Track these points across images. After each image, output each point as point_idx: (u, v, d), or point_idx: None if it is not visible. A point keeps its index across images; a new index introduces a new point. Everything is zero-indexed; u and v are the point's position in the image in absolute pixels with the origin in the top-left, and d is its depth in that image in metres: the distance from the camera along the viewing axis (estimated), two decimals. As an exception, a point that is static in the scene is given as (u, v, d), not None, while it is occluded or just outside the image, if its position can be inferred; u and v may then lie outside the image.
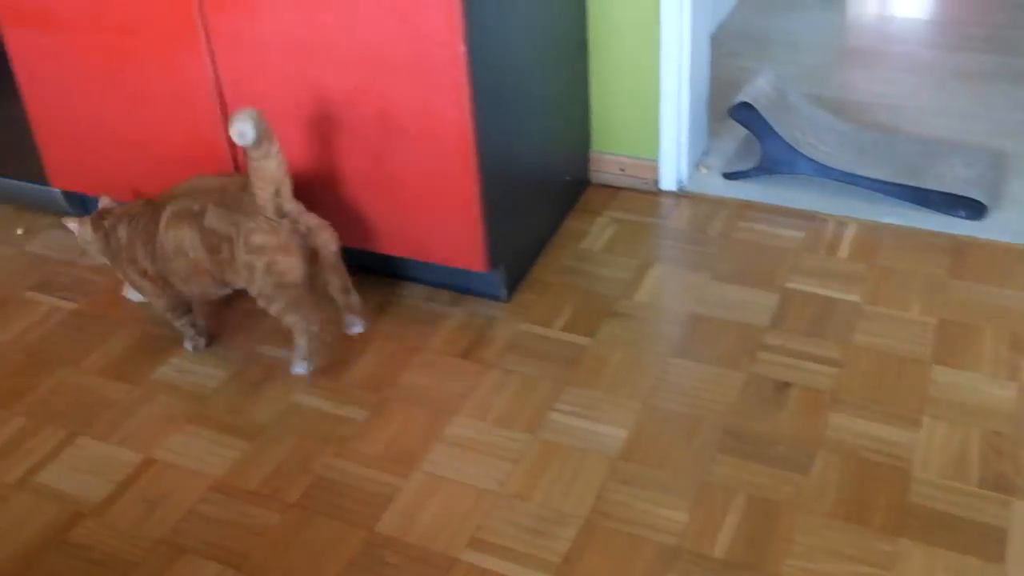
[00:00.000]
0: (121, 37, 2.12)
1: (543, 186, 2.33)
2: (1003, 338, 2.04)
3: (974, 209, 2.38)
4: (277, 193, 1.86)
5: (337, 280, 2.03)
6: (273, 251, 1.88)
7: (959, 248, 2.31)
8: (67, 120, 2.31)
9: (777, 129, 2.46)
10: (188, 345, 2.14)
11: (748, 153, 2.66)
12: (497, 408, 1.95)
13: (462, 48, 1.81)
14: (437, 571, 1.64)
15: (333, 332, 2.14)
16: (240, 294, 2.10)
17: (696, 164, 2.61)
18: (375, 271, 2.30)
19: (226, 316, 2.22)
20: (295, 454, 1.88)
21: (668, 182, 2.53)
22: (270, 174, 1.83)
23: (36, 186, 2.52)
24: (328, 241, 1.96)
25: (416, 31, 1.83)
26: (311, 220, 1.93)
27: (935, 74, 3.12)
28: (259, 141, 1.77)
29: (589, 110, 2.48)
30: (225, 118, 2.12)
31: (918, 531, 1.65)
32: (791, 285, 2.22)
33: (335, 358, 2.08)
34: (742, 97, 2.50)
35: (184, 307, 2.10)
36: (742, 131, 2.74)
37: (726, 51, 3.29)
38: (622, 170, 2.54)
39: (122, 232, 2.01)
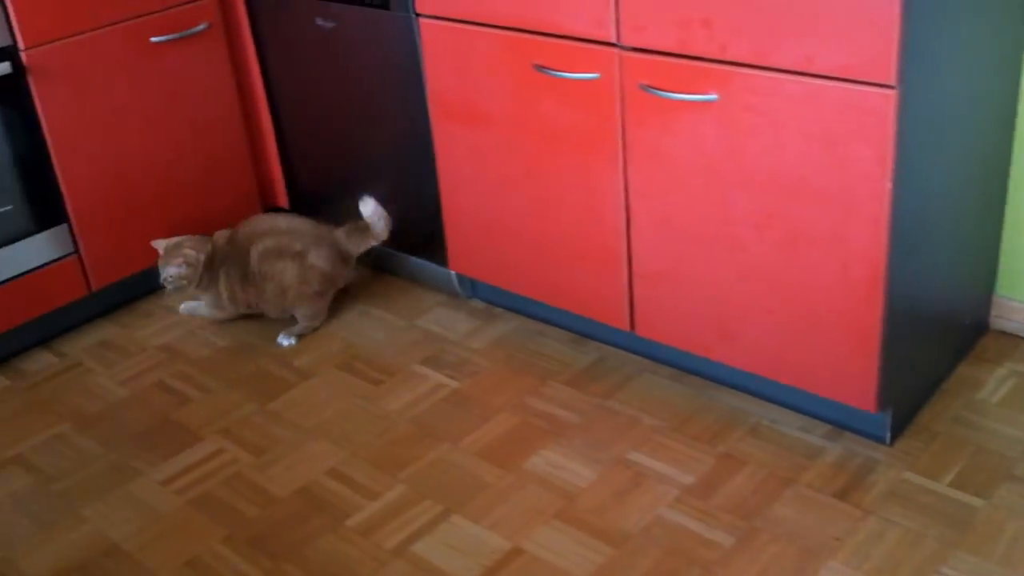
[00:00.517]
0: (542, 141, 2.24)
1: (942, 327, 2.20)
2: None
3: None
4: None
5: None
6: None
7: None
8: (475, 210, 2.47)
9: None
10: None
11: None
12: (875, 559, 1.83)
13: (889, 184, 1.76)
14: None
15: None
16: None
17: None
18: (751, 392, 2.26)
19: (602, 418, 2.25)
20: (659, 569, 1.86)
21: (1079, 337, 2.31)
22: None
23: (435, 266, 2.71)
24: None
25: (842, 162, 1.79)
26: None
27: None
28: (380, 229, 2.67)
29: (999, 251, 2.33)
30: (628, 228, 2.18)
31: None
32: None
33: (703, 476, 2.06)
34: None
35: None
36: None
37: None
38: (1026, 318, 2.36)
39: (218, 263, 2.62)
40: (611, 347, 2.47)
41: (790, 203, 1.91)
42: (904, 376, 2.05)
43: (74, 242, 2.67)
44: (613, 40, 2.04)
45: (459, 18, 2.28)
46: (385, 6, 2.45)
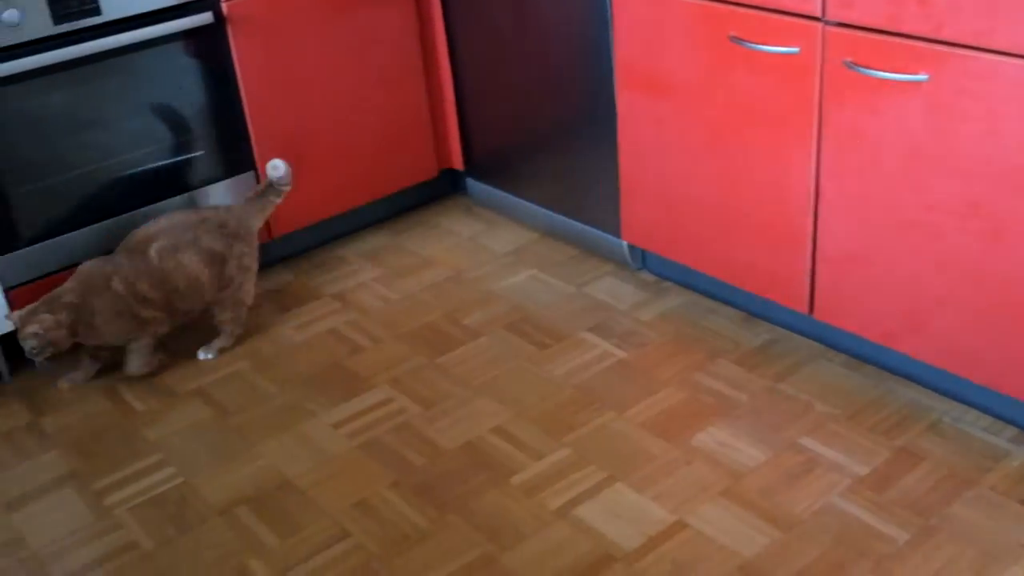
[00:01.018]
0: (732, 114, 2.20)
1: None
2: None
3: None
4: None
5: None
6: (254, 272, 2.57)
7: None
8: (654, 181, 2.45)
9: None
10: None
11: None
12: (1062, 571, 1.75)
13: (1114, 177, 1.66)
14: None
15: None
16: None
17: None
18: (933, 387, 2.18)
19: (773, 400, 2.21)
20: (827, 557, 1.82)
21: None
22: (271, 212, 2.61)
23: (605, 235, 2.70)
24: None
25: (1063, 152, 1.71)
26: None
27: None
28: (286, 182, 2.58)
29: None
30: (816, 208, 2.12)
31: None
32: None
33: (878, 468, 2.00)
34: None
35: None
36: None
37: None
38: None
39: (116, 287, 2.37)
40: (784, 329, 2.42)
41: (999, 193, 1.82)
42: (1104, 383, 1.95)
43: (259, 189, 2.77)
44: (817, 14, 1.98)
45: (655, -15, 2.26)
46: (579, -29, 2.45)
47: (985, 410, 2.11)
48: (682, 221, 2.43)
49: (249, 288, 2.57)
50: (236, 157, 2.71)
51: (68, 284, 2.34)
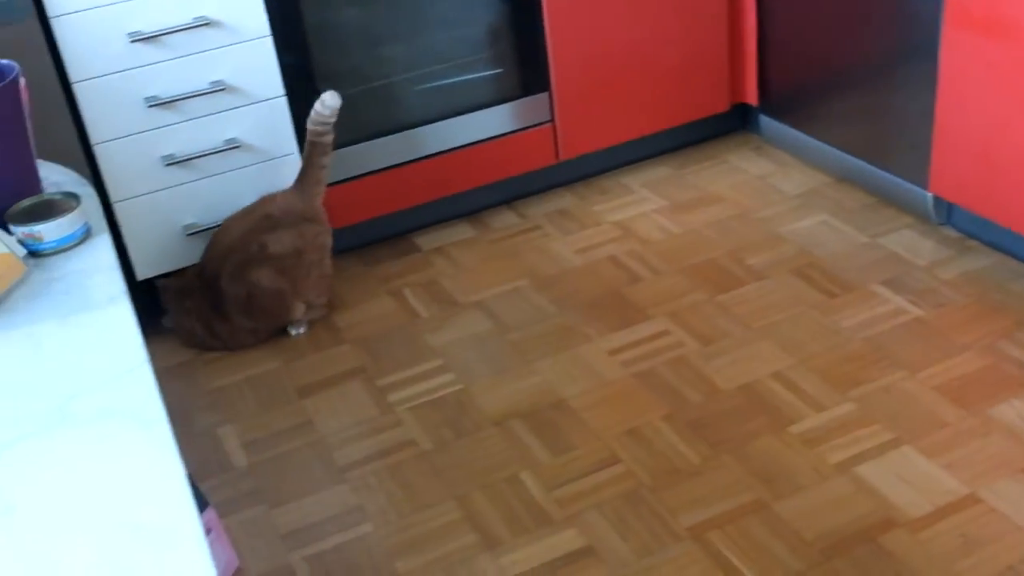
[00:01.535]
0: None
1: None
2: None
3: None
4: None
5: None
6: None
7: None
8: (974, 131, 2.26)
9: None
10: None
11: None
12: None
13: None
14: None
15: None
16: None
17: None
18: None
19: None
20: None
21: None
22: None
23: (908, 184, 2.53)
24: None
25: None
26: None
27: None
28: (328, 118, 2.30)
29: None
30: None
31: None
32: None
33: None
34: None
35: None
36: None
37: None
38: None
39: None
40: (1107, 304, 2.21)
41: None
42: None
43: (551, 111, 2.77)
44: None
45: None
46: None
47: None
48: (1002, 176, 2.23)
49: (328, 262, 2.48)
50: (532, 78, 2.73)
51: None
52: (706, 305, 2.37)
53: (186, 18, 2.30)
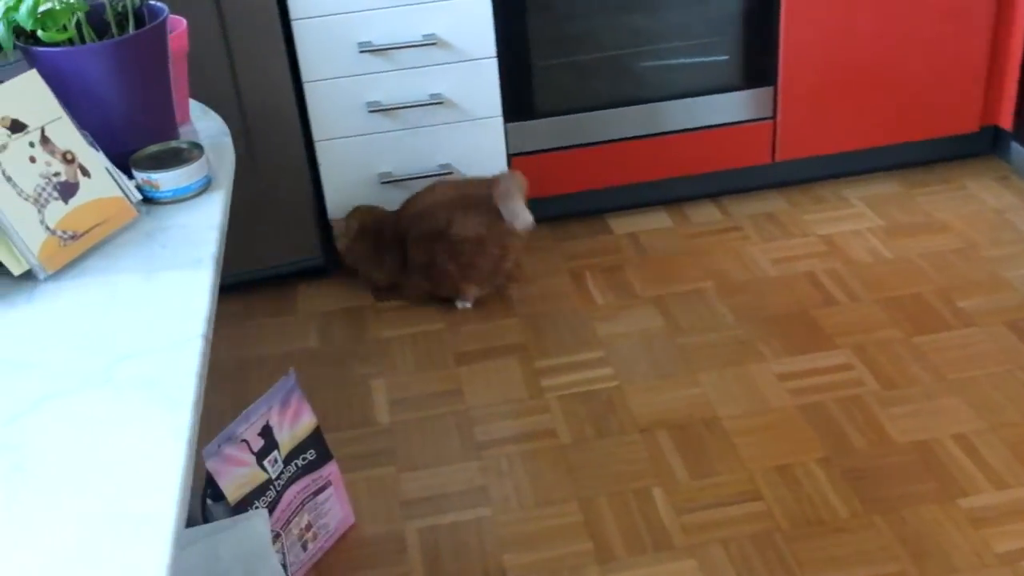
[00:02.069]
0: None
1: None
2: None
3: None
4: None
5: None
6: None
7: None
8: None
9: None
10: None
11: None
12: None
13: None
14: None
15: None
16: None
17: None
18: None
19: None
20: None
21: None
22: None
23: None
24: None
25: None
26: None
27: None
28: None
29: None
30: None
31: None
32: None
33: None
34: None
35: None
36: None
37: None
38: None
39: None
40: None
41: None
42: None
43: (774, 107, 2.59)
44: None
45: None
46: None
47: None
48: None
49: (511, 264, 2.42)
50: (758, 69, 2.55)
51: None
52: (900, 344, 2.16)
53: (407, -32, 2.29)
